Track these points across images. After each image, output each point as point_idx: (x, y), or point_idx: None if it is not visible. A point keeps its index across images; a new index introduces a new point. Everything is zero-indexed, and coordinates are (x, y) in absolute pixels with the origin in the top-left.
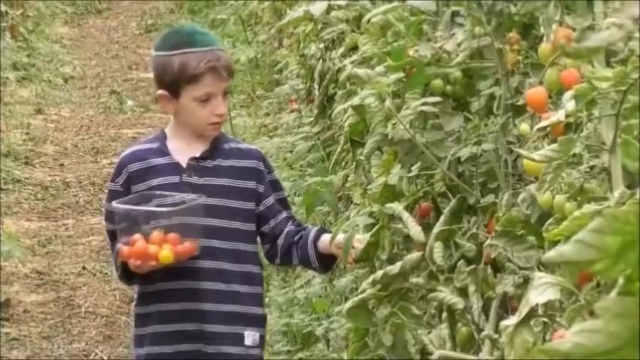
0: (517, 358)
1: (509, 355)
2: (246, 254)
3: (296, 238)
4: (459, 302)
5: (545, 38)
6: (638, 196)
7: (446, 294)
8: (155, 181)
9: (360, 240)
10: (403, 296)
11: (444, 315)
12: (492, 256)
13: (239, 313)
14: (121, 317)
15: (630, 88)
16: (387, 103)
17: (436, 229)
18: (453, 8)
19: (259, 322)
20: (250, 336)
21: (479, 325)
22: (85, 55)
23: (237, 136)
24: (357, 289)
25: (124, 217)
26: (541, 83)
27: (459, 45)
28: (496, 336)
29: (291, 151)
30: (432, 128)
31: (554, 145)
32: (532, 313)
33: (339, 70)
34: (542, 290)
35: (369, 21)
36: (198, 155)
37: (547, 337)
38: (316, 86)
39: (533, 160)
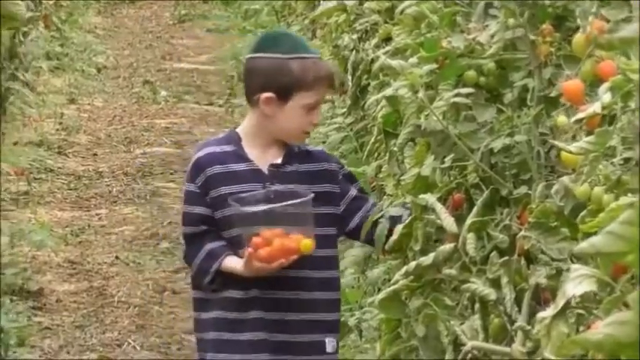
0: (554, 349)
1: (546, 347)
2: (327, 260)
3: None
4: (491, 293)
5: (581, 30)
6: None
7: (478, 285)
8: (236, 187)
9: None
10: (436, 287)
11: (477, 306)
12: (525, 247)
13: (320, 321)
14: (153, 307)
15: None
16: (420, 94)
17: (469, 221)
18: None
19: (337, 327)
20: (330, 343)
21: (511, 316)
22: (118, 45)
23: None
24: (389, 281)
25: (244, 220)
26: (577, 75)
27: (492, 36)
28: (528, 327)
29: (324, 142)
30: (464, 120)
31: (590, 138)
32: (568, 305)
33: (372, 61)
34: (579, 282)
35: (402, 12)
36: (279, 161)
37: (583, 329)
38: (349, 77)
39: (570, 152)
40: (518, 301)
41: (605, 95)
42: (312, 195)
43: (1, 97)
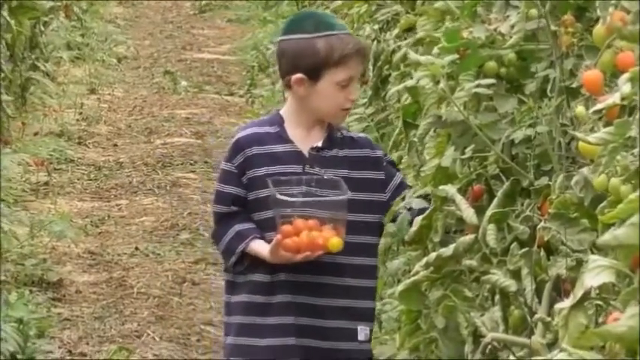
0: (572, 340)
1: (564, 338)
2: (365, 247)
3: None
4: (511, 285)
5: (601, 21)
6: None
7: (499, 276)
8: (276, 168)
9: None
10: (456, 279)
11: (497, 297)
12: (545, 238)
13: (353, 308)
14: (173, 298)
15: None
16: (441, 84)
17: (489, 212)
18: None
19: (371, 316)
20: (363, 331)
21: (531, 307)
22: (139, 35)
23: None
24: (409, 272)
25: (279, 205)
26: (596, 65)
27: (512, 27)
28: (549, 319)
29: None
30: (485, 110)
31: (609, 128)
32: (587, 296)
33: (393, 52)
34: (597, 273)
35: (424, 2)
36: (320, 145)
37: (601, 320)
38: (370, 67)
39: (589, 142)
40: (538, 293)
41: (624, 86)
42: (349, 195)
43: (22, 87)
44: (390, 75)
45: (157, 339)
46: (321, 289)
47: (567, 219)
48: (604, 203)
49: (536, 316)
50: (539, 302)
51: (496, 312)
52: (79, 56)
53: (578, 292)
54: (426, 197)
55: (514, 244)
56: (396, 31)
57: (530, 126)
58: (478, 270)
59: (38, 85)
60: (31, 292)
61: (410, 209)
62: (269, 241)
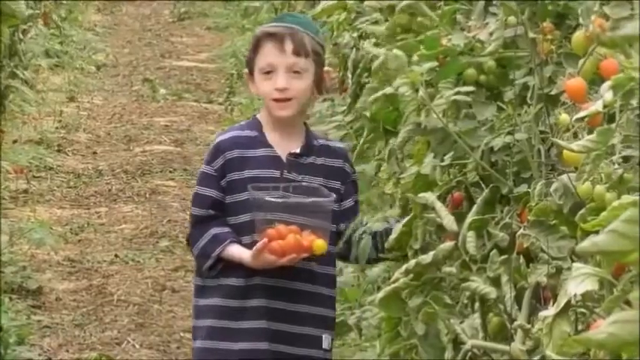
0: (556, 348)
1: (548, 346)
2: (331, 256)
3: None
4: (491, 292)
5: (582, 28)
6: None
7: (478, 283)
8: (255, 172)
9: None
10: (436, 286)
11: (477, 305)
12: (525, 245)
13: (321, 316)
14: (153, 305)
15: None
16: (421, 92)
17: (469, 219)
18: None
19: (333, 325)
20: (327, 339)
21: (511, 314)
22: (118, 43)
23: None
24: (389, 279)
25: (260, 208)
26: (579, 73)
27: (491, 34)
28: (528, 326)
29: None
30: (465, 117)
31: (592, 136)
32: (570, 303)
33: (372, 60)
34: (580, 281)
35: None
36: (298, 151)
37: (584, 328)
38: (349, 75)
39: (572, 150)
40: (518, 300)
41: (607, 93)
42: (334, 197)
43: (1, 94)
44: (368, 82)
45: (137, 346)
46: (296, 296)
47: (547, 226)
48: (583, 210)
49: (516, 323)
50: (519, 309)
51: (476, 319)
52: (58, 64)
53: (562, 300)
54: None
55: (494, 251)
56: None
57: (509, 133)
58: (458, 277)
59: (17, 92)
60: (10, 299)
61: (371, 233)
62: (245, 245)
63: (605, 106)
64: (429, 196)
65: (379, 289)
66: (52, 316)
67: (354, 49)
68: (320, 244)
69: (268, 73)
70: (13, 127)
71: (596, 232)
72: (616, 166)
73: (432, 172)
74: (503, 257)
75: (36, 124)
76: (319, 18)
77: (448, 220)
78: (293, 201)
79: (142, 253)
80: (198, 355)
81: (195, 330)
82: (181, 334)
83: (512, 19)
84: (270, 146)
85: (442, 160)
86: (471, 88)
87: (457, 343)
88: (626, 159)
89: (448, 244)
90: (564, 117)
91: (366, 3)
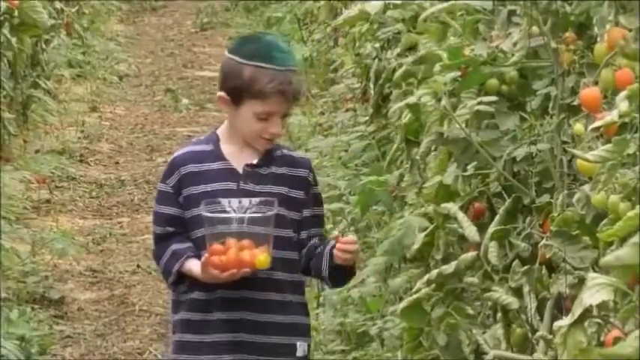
0: (570, 358)
1: (563, 356)
2: (295, 262)
3: (317, 250)
4: (513, 302)
5: (599, 38)
6: None
7: (500, 294)
8: (210, 186)
9: (350, 242)
10: (458, 296)
11: (499, 315)
12: (547, 256)
13: (292, 324)
14: None
15: None
16: (443, 102)
17: (491, 229)
18: (510, 7)
19: (307, 331)
20: (301, 347)
21: (533, 325)
22: (140, 53)
23: (292, 135)
24: (411, 289)
25: (209, 224)
26: (596, 83)
27: (514, 44)
28: (550, 336)
29: (345, 150)
30: (487, 128)
31: (608, 146)
32: (586, 313)
33: (394, 70)
34: (596, 291)
35: (425, 20)
36: (255, 162)
37: (601, 338)
38: (372, 85)
39: (587, 160)
40: (540, 310)
41: (622, 103)
42: (275, 211)
43: (23, 105)
44: (391, 93)
45: (159, 357)
46: (261, 305)
47: (569, 236)
48: (605, 221)
49: (538, 333)
50: (541, 320)
51: (498, 329)
52: (81, 74)
53: (577, 310)
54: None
55: (516, 262)
56: (397, 50)
57: (531, 143)
58: (480, 287)
59: (39, 102)
60: (32, 309)
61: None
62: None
63: (620, 116)
64: (451, 207)
65: (401, 299)
66: (74, 326)
67: (376, 60)
68: (262, 260)
69: (264, 118)
70: (35, 137)
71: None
72: (631, 175)
73: (455, 183)
74: (525, 268)
75: (58, 134)
76: (342, 28)
77: (470, 231)
78: (228, 216)
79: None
80: None
81: (171, 344)
82: None
83: (534, 29)
84: (224, 159)
85: (464, 170)
86: (493, 98)
87: (479, 353)
88: None
89: (470, 255)
90: (579, 127)
91: (388, 13)
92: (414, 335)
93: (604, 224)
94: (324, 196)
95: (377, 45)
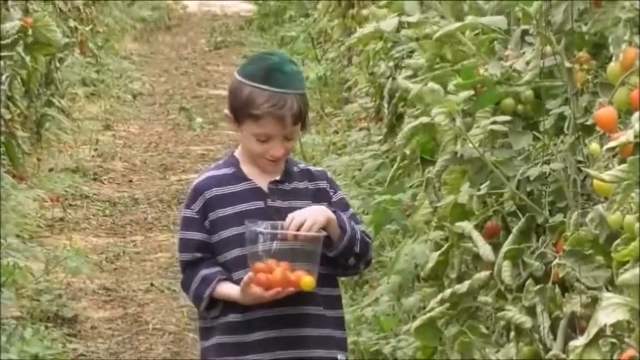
0: None
1: None
2: (329, 277)
3: None
4: (526, 321)
5: (614, 58)
6: None
7: (514, 313)
8: (239, 207)
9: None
10: (472, 315)
11: (512, 334)
12: (560, 275)
13: (330, 337)
14: (188, 334)
15: None
16: (457, 122)
17: (505, 248)
18: (523, 27)
19: (345, 345)
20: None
21: (546, 344)
22: (154, 72)
23: (306, 154)
24: (424, 308)
25: (255, 242)
26: (611, 103)
27: (528, 64)
28: (563, 356)
29: (359, 169)
30: (501, 147)
31: (623, 166)
32: (600, 333)
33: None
34: (611, 311)
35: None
36: (278, 178)
37: (615, 358)
38: (385, 104)
39: (603, 180)
40: (553, 329)
41: (637, 123)
42: (324, 234)
43: (37, 123)
44: (405, 112)
45: None
46: (301, 320)
47: (582, 256)
48: (619, 240)
49: (551, 352)
50: (554, 339)
51: (511, 348)
52: (95, 92)
53: (592, 330)
54: None
55: (529, 281)
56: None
57: (545, 163)
58: (493, 306)
59: (53, 121)
60: (46, 327)
61: None
62: (236, 281)
63: (635, 136)
64: (466, 226)
65: (414, 318)
66: (87, 344)
67: (390, 79)
68: (308, 282)
69: (264, 140)
70: (49, 155)
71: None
72: None
73: (469, 202)
74: (538, 287)
75: (72, 152)
76: (355, 47)
77: (485, 250)
78: (281, 232)
79: (178, 282)
80: None
81: None
82: None
83: (548, 48)
84: (248, 179)
85: (479, 190)
86: (507, 118)
87: None
88: None
89: (484, 274)
90: (594, 146)
91: (402, 32)
92: (428, 354)
93: (618, 244)
94: None
95: (391, 64)
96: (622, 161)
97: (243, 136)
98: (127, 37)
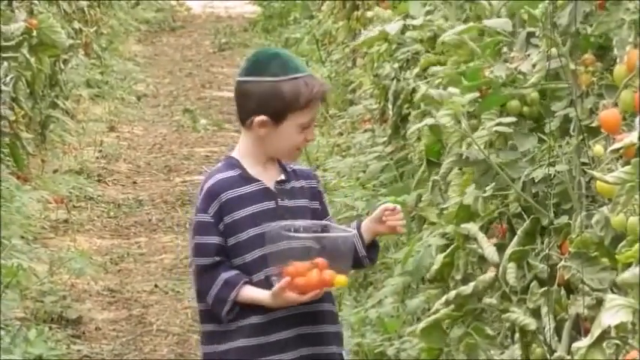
0: None
1: None
2: None
3: None
4: (531, 323)
5: (618, 60)
6: None
7: (519, 315)
8: (252, 208)
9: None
10: (477, 316)
11: (517, 336)
12: (565, 277)
13: (339, 333)
14: (192, 335)
15: None
16: (463, 123)
17: (509, 250)
18: (529, 29)
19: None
20: (346, 355)
21: (551, 346)
22: (159, 73)
23: (310, 156)
24: (429, 310)
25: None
26: (615, 105)
27: (533, 66)
28: (568, 357)
29: (364, 171)
30: (506, 149)
31: (627, 167)
32: (604, 334)
33: (413, 91)
34: (615, 312)
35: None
36: (282, 177)
37: (619, 359)
38: (390, 106)
39: (606, 181)
40: (558, 331)
41: None
42: (354, 232)
43: (42, 124)
44: (409, 114)
45: None
46: (320, 317)
47: (587, 258)
48: (624, 242)
49: (556, 354)
50: (559, 340)
51: (516, 350)
52: (99, 94)
53: (596, 331)
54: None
55: (534, 283)
56: (416, 70)
57: (550, 165)
58: (498, 308)
59: (58, 122)
60: (50, 328)
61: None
62: (255, 283)
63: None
64: (472, 227)
65: (419, 320)
66: (91, 345)
67: (395, 80)
68: (341, 280)
69: (306, 127)
70: (53, 156)
71: (630, 264)
72: None
73: (475, 203)
74: (543, 289)
75: (76, 153)
76: (360, 49)
77: (490, 251)
78: (319, 235)
79: (182, 283)
80: None
81: None
82: None
83: (553, 50)
84: (257, 180)
85: (484, 192)
86: (512, 119)
87: None
88: None
89: (488, 275)
90: (598, 148)
91: (407, 34)
92: (433, 355)
93: (622, 246)
94: (341, 216)
95: (395, 65)
96: (626, 163)
97: (280, 134)
98: (132, 39)
